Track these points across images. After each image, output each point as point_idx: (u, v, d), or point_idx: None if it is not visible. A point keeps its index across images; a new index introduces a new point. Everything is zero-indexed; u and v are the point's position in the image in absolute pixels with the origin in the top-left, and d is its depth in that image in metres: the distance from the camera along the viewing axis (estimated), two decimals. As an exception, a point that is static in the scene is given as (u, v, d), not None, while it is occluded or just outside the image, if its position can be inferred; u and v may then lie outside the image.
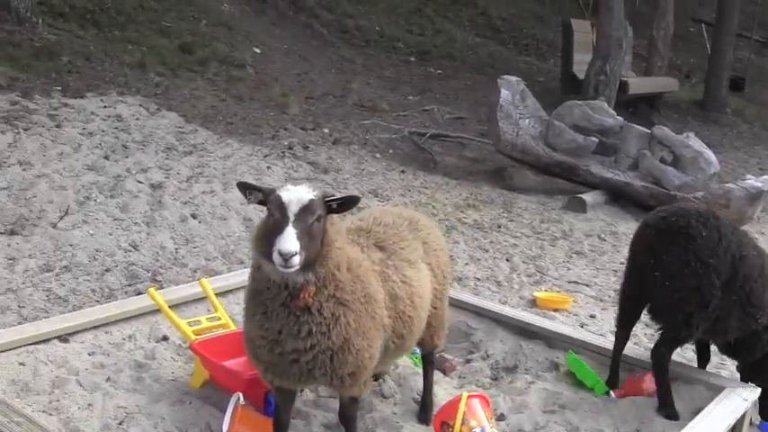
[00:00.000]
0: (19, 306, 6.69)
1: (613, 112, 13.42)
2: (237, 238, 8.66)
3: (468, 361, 6.80)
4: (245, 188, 4.15)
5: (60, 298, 6.93)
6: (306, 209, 3.93)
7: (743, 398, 5.79)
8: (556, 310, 8.09)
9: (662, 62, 21.43)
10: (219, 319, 6.05)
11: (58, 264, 7.48)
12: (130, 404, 5.39)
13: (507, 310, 7.25)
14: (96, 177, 9.35)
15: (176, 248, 8.18)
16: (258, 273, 4.19)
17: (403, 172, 12.41)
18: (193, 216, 8.91)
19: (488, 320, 7.14)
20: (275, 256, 3.83)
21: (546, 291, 8.64)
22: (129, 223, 8.44)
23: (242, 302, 6.61)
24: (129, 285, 7.33)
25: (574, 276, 9.26)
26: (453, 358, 6.78)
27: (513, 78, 13.24)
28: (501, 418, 5.81)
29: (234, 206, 9.24)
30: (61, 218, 8.30)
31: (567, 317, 7.98)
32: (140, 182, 9.47)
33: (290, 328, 4.14)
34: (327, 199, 4.13)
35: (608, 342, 6.71)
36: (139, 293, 7.09)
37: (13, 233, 7.87)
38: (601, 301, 8.62)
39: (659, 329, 6.00)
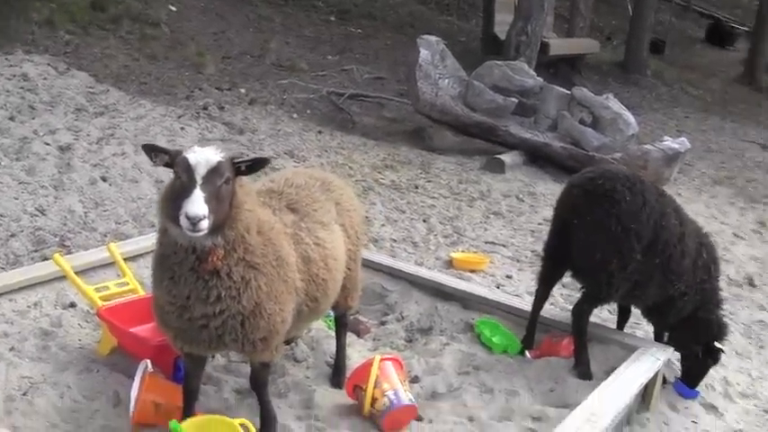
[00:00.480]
0: None
1: (533, 72, 13.39)
2: (149, 200, 8.41)
3: (382, 323, 6.72)
4: (150, 150, 4.02)
5: (-40, 264, 6.66)
6: (213, 171, 3.83)
7: (656, 357, 5.80)
8: (472, 271, 8.03)
9: (584, 23, 21.51)
10: (128, 284, 5.85)
11: (-44, 230, 7.20)
12: (35, 374, 5.19)
13: (423, 272, 7.18)
14: (1, 140, 8.99)
15: (85, 212, 7.91)
16: (165, 237, 4.08)
17: (320, 132, 12.21)
18: (103, 179, 8.62)
19: (404, 282, 7.07)
20: (182, 220, 3.73)
21: (463, 251, 8.58)
22: (35, 187, 8.13)
23: (142, 269, 6.57)
24: (36, 251, 7.06)
25: (491, 237, 9.22)
26: (368, 321, 6.70)
27: (433, 38, 13.11)
28: (415, 380, 5.76)
29: (146, 168, 8.97)
30: (-36, 182, 7.97)
31: (483, 278, 7.93)
32: (48, 144, 9.11)
33: (199, 293, 4.05)
34: (236, 161, 4.04)
35: (524, 303, 6.71)
36: (46, 259, 6.81)
37: None
38: (518, 261, 8.60)
39: (581, 289, 6.00)
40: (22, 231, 7.30)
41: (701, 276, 6.03)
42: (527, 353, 6.17)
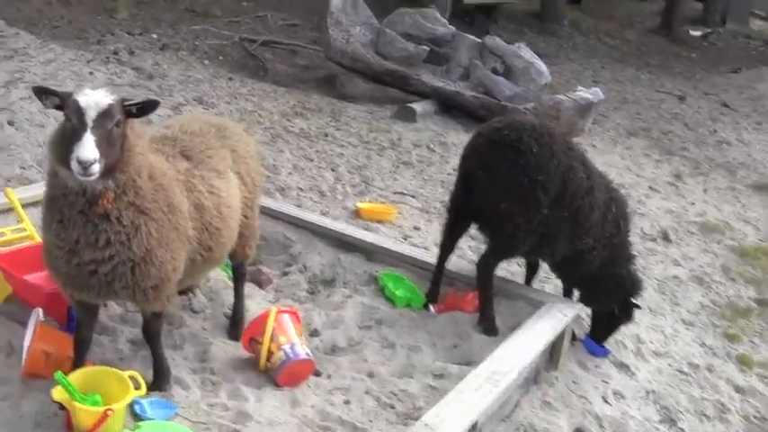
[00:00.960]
0: None
1: (445, 20, 13.20)
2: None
3: (285, 274, 6.50)
4: (41, 93, 3.89)
5: None
6: (104, 114, 3.75)
7: (563, 314, 5.69)
8: (379, 222, 7.83)
9: (499, -28, 21.32)
10: (25, 230, 5.65)
11: None
12: None
13: (327, 222, 6.95)
14: None
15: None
16: (54, 179, 3.96)
17: (230, 79, 11.83)
18: (10, 123, 8.24)
19: (307, 232, 6.84)
20: (73, 164, 3.66)
21: (370, 202, 8.37)
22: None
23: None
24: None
25: (400, 187, 9.02)
26: (270, 271, 6.47)
27: (345, -16, 12.80)
28: (315, 333, 5.57)
29: (53, 113, 8.43)
30: None
31: (390, 228, 7.74)
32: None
33: (88, 237, 3.95)
34: (126, 103, 3.93)
35: (430, 255, 6.53)
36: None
37: None
38: (426, 213, 8.42)
39: (486, 241, 5.85)
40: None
41: (611, 231, 5.92)
42: (431, 307, 6.02)
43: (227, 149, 5.03)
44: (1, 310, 5.18)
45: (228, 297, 5.70)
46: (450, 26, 13.02)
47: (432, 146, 10.71)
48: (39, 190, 6.30)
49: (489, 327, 5.64)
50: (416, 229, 7.89)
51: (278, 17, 16.24)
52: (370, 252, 6.61)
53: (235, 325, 5.46)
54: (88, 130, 3.66)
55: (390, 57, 12.37)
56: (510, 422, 5.11)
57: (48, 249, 4.13)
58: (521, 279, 6.61)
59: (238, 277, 5.54)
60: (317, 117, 11.00)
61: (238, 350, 5.19)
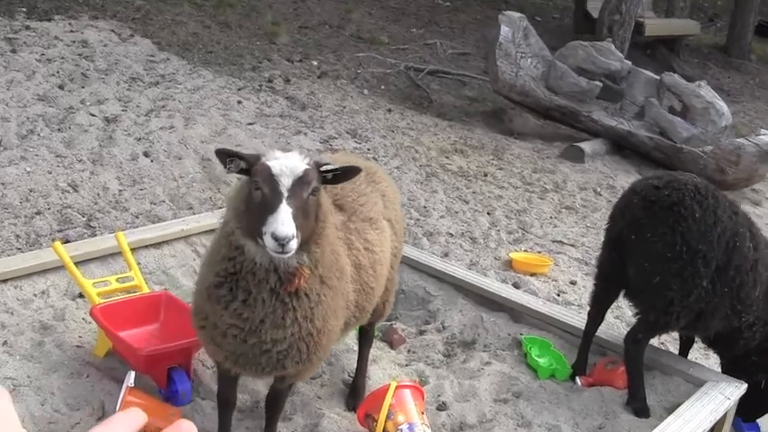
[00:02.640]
0: (-71, 252, 5.99)
1: (621, 54, 12.46)
2: (191, 179, 7.88)
3: (420, 333, 6.07)
4: (224, 156, 3.52)
5: (-22, 244, 6.22)
6: (300, 181, 3.37)
7: (725, 395, 5.03)
8: (533, 275, 7.31)
9: (684, 3, 20.36)
10: (132, 279, 5.29)
11: (-16, 205, 6.76)
12: (21, 375, 4.72)
13: (471, 277, 6.45)
14: (45, 109, 8.53)
15: (120, 190, 7.42)
16: (238, 253, 3.58)
17: (389, 111, 11.48)
18: (146, 154, 8.10)
19: (450, 287, 6.38)
20: (268, 240, 3.25)
21: (525, 251, 7.85)
22: (72, 160, 7.66)
23: (166, 257, 6.03)
24: (60, 231, 6.59)
25: (560, 235, 8.45)
26: (405, 329, 6.06)
27: (516, 14, 12.27)
28: (443, 407, 5.10)
29: (193, 144, 8.44)
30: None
31: (544, 282, 7.21)
32: (93, 114, 8.64)
33: (276, 317, 3.59)
34: (323, 169, 3.55)
35: (582, 319, 5.96)
36: (67, 241, 6.36)
37: (-59, 169, 7.14)
38: (586, 264, 7.82)
39: (636, 314, 5.27)
40: (49, 209, 6.85)
41: None
42: (577, 379, 5.45)
43: (378, 194, 4.63)
44: (101, 364, 4.96)
45: (349, 361, 5.33)
46: (627, 61, 12.28)
47: (599, 189, 10.07)
48: (156, 232, 6.20)
49: (640, 407, 5.06)
50: (572, 283, 7.32)
51: (448, 45, 15.78)
52: (515, 312, 6.10)
53: (354, 394, 5.05)
54: (284, 201, 3.28)
55: (561, 92, 11.78)
56: None
57: (212, 325, 3.74)
58: (676, 348, 5.95)
59: (366, 340, 5.14)
60: (479, 154, 10.51)
61: (353, 424, 4.78)
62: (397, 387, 4.58)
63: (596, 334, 5.69)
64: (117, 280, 5.27)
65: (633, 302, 5.31)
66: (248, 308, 3.57)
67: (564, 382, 5.44)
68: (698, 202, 4.80)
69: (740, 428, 5.51)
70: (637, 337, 5.13)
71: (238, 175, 3.59)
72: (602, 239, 5.57)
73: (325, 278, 3.72)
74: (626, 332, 5.33)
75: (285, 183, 3.31)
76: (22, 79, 9.11)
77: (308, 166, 3.41)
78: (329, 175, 3.57)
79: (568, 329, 5.86)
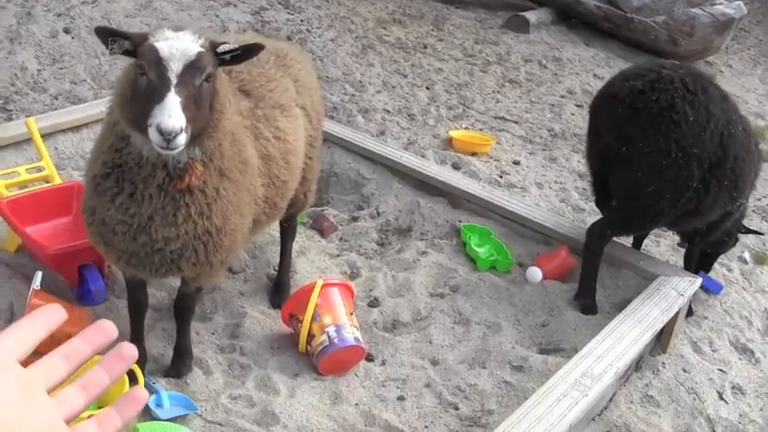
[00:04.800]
0: None
1: None
2: (115, 57, 7.24)
3: (354, 219, 5.67)
4: (105, 35, 3.00)
5: None
6: (192, 66, 2.93)
7: (678, 291, 4.69)
8: (473, 154, 6.86)
9: None
10: (44, 169, 4.82)
11: None
12: None
13: (408, 159, 5.99)
14: (-41, -15, 7.82)
15: (39, 70, 6.79)
16: (123, 143, 3.16)
17: (324, -21, 10.78)
18: (66, 31, 7.46)
19: (385, 169, 5.95)
20: (153, 134, 2.84)
21: (466, 128, 7.39)
22: (-12, 40, 7.04)
23: (86, 142, 5.51)
24: (-26, 115, 6.04)
25: (502, 111, 7.97)
26: (337, 215, 5.63)
27: None
28: (374, 303, 4.74)
29: (116, 19, 7.78)
30: None
31: (485, 162, 6.77)
32: (12, -10, 7.94)
33: (165, 214, 3.20)
34: (220, 50, 3.08)
35: (524, 205, 5.59)
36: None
37: None
38: (530, 142, 7.39)
39: (611, 208, 4.86)
40: (-38, 92, 6.26)
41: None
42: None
43: (290, 79, 4.12)
44: (10, 260, 4.50)
45: (275, 255, 4.91)
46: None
47: (544, 62, 9.52)
48: (75, 114, 5.67)
49: (588, 304, 4.72)
50: (515, 163, 6.89)
51: None
52: (454, 197, 5.69)
53: (279, 290, 4.67)
54: (172, 89, 2.84)
55: (506, -42, 11.14)
56: (600, 421, 4.23)
57: (101, 221, 3.31)
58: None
59: (289, 231, 4.72)
60: (418, 25, 9.89)
61: (278, 324, 4.40)
62: (323, 285, 4.16)
63: (538, 221, 5.33)
64: (27, 170, 4.81)
65: (614, 199, 4.84)
66: (135, 203, 3.17)
67: (505, 275, 5.09)
68: (689, 103, 4.34)
69: (708, 285, 5.24)
70: (604, 233, 4.76)
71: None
72: (586, 145, 5.14)
73: (224, 171, 3.30)
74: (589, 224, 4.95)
75: (174, 68, 2.88)
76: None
77: (201, 49, 2.97)
78: (227, 57, 3.10)
79: (510, 216, 5.48)
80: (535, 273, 4.99)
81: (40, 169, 4.81)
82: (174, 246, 3.28)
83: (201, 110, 2.99)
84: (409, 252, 5.22)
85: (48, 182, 4.77)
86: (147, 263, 3.34)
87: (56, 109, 6.06)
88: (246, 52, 3.15)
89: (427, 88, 8.14)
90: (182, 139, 2.83)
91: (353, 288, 4.42)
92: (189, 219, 3.23)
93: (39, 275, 3.92)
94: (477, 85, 8.46)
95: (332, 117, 6.99)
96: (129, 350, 1.00)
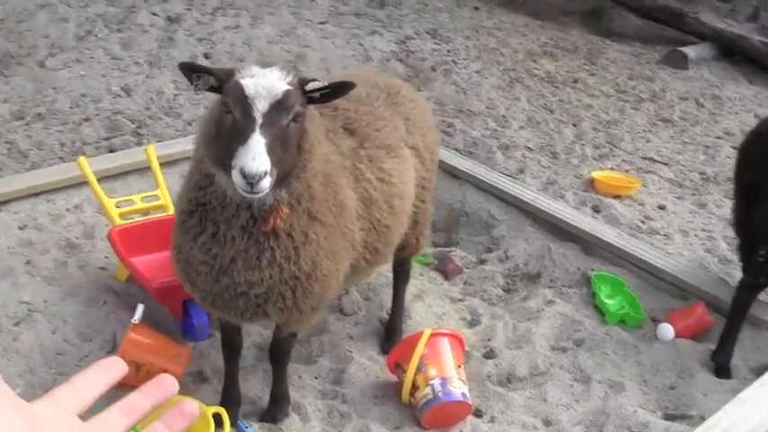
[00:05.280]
0: (-31, 161, 5.65)
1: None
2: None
3: (481, 262, 5.48)
4: (189, 71, 2.95)
5: (21, 153, 5.96)
6: (279, 105, 2.80)
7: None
8: (616, 197, 6.56)
9: None
10: (159, 198, 4.84)
11: (32, 110, 6.50)
12: (37, 299, 4.48)
13: (542, 201, 5.76)
14: (106, 8, 8.14)
15: (175, 95, 6.96)
16: (208, 182, 3.07)
17: (476, 9, 10.60)
18: (206, 56, 7.65)
19: (517, 211, 5.76)
20: (236, 176, 2.73)
21: (611, 169, 7.08)
22: (128, 63, 7.27)
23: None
24: (107, 139, 6.26)
25: (652, 151, 7.60)
26: (464, 257, 5.46)
27: None
28: (490, 354, 4.53)
29: (257, 45, 7.91)
30: (50, 55, 7.14)
31: (628, 206, 6.45)
32: (155, 14, 8.19)
33: (249, 257, 3.10)
34: (309, 88, 2.95)
35: (663, 255, 5.27)
36: (111, 151, 6.00)
37: (-8, 73, 6.79)
38: (679, 186, 7.01)
39: (764, 257, 4.49)
40: (98, 115, 6.55)
41: None
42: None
43: (400, 118, 3.97)
44: (120, 289, 4.59)
45: (389, 297, 4.74)
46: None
47: (701, 100, 9.07)
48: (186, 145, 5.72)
49: (723, 366, 4.40)
50: (661, 208, 6.54)
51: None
52: (588, 244, 5.44)
53: (389, 337, 4.54)
54: (257, 130, 2.73)
55: (666, -10, 10.76)
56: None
57: (185, 260, 3.26)
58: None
59: (401, 276, 4.57)
60: (569, 58, 9.62)
61: (384, 371, 4.26)
62: (431, 335, 3.99)
63: (675, 273, 5.01)
64: (142, 199, 4.85)
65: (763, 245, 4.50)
66: (217, 243, 3.09)
67: (634, 330, 4.80)
68: None
69: None
70: (757, 282, 4.45)
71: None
72: (734, 189, 4.85)
73: (315, 213, 3.17)
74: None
75: (260, 107, 2.77)
76: (88, -24, 8.67)
77: (289, 86, 2.83)
78: (316, 95, 2.96)
79: (645, 267, 5.19)
80: (667, 330, 4.69)
81: (156, 198, 4.83)
82: (258, 290, 3.18)
83: (288, 151, 2.88)
84: (535, 300, 4.99)
85: (163, 211, 4.78)
86: (232, 306, 3.26)
87: (187, 135, 6.13)
88: (337, 90, 3.02)
89: (574, 125, 7.87)
90: (266, 183, 2.71)
91: (464, 339, 4.23)
92: (274, 263, 3.11)
93: (140, 309, 3.92)
94: (628, 124, 8.12)
95: (470, 153, 6.84)
96: (191, 407, 0.99)
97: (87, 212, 5.27)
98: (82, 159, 4.85)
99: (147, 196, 4.87)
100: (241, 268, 3.10)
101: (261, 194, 2.78)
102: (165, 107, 6.77)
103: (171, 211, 4.73)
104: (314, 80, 2.96)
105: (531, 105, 8.08)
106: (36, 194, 5.27)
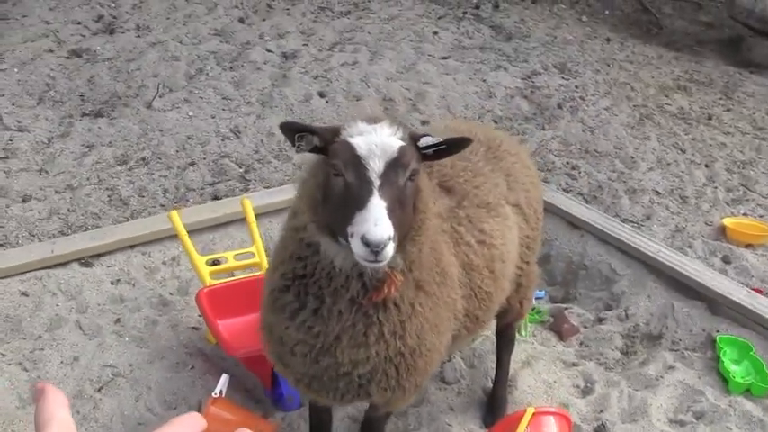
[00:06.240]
0: (69, 210, 5.70)
1: None
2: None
3: (599, 320, 5.25)
4: (291, 131, 2.67)
5: (122, 200, 5.89)
6: (395, 163, 2.56)
7: None
8: (749, 246, 6.21)
9: None
10: (253, 255, 4.68)
11: (137, 154, 6.43)
12: (122, 362, 4.41)
13: (665, 254, 5.49)
14: (220, 45, 8.12)
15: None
16: (310, 252, 2.80)
17: (608, 41, 10.30)
18: (321, 94, 7.54)
19: (640, 265, 5.51)
20: (356, 246, 2.46)
21: (744, 215, 6.73)
22: (238, 103, 7.22)
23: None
24: (212, 185, 6.18)
25: (790, 195, 7.22)
26: (582, 314, 5.25)
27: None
28: (601, 429, 4.29)
29: (375, 82, 7.79)
30: (156, 96, 7.16)
31: (761, 256, 6.10)
32: (270, 50, 8.15)
33: (355, 333, 2.83)
34: (422, 144, 2.70)
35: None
36: (216, 198, 5.95)
37: (98, 115, 6.85)
38: (817, 233, 6.61)
39: None
40: (205, 158, 6.46)
41: None
42: None
43: (501, 174, 3.74)
44: (211, 352, 4.54)
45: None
46: None
47: (844, 136, 8.58)
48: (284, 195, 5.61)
49: None
50: (797, 259, 6.18)
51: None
52: (714, 303, 5.15)
53: (492, 409, 4.33)
54: (375, 193, 2.49)
55: (809, 18, 10.24)
56: None
57: (278, 339, 3.02)
58: None
59: (506, 343, 4.37)
60: (704, 93, 9.23)
61: (487, 448, 4.06)
62: (535, 414, 3.79)
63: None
64: (235, 256, 4.69)
65: None
66: (320, 320, 2.81)
67: (761, 400, 4.50)
68: None
69: None
70: None
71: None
72: None
73: (422, 283, 2.91)
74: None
75: (376, 167, 2.52)
76: (202, 13, 8.74)
77: (403, 143, 2.60)
78: (430, 151, 2.71)
79: (778, 330, 4.87)
80: (796, 403, 4.38)
81: (251, 255, 4.67)
82: (362, 369, 2.91)
83: (406, 212, 2.63)
84: (654, 365, 4.74)
85: (258, 269, 4.64)
86: (331, 388, 3.01)
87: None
88: (452, 146, 2.75)
89: (706, 166, 7.52)
90: (390, 250, 2.45)
91: (572, 416, 4.02)
92: (381, 338, 2.85)
93: (224, 380, 3.73)
94: (764, 164, 7.72)
95: (595, 197, 6.61)
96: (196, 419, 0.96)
97: (183, 266, 5.15)
98: (174, 214, 4.71)
99: (240, 253, 4.72)
100: (346, 346, 2.84)
101: (384, 263, 2.51)
102: (274, 150, 6.70)
103: (266, 268, 4.63)
104: (426, 135, 2.72)
105: (661, 145, 7.76)
106: (132, 246, 5.20)
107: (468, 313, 3.38)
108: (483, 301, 3.44)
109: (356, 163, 2.54)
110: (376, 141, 2.56)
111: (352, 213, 2.48)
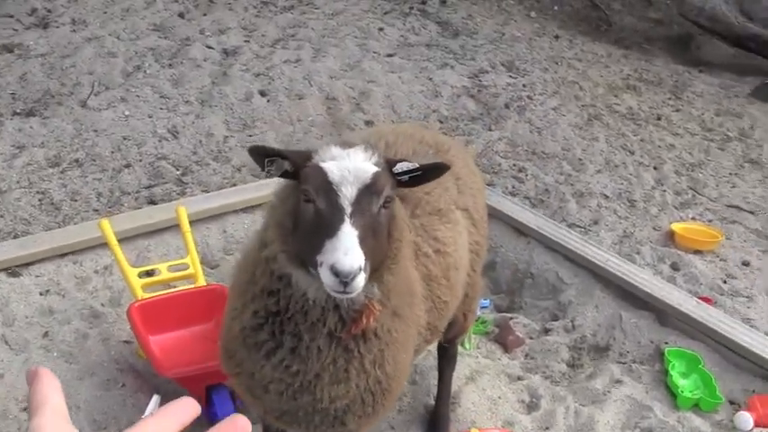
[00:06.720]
0: (-4, 215, 5.44)
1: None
2: (310, 123, 7.07)
3: (545, 331, 5.12)
4: (260, 156, 2.54)
5: (53, 204, 5.66)
6: (368, 190, 2.43)
7: None
8: (697, 252, 6.13)
9: None
10: (188, 267, 4.48)
11: (70, 155, 6.18)
12: None
13: (613, 263, 5.38)
14: (158, 41, 7.86)
15: (226, 136, 6.68)
16: (282, 285, 2.63)
17: (557, 38, 10.17)
18: (262, 93, 7.32)
19: (588, 274, 5.39)
20: (325, 275, 2.32)
21: (693, 219, 6.65)
22: (177, 102, 6.99)
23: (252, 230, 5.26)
24: (147, 188, 5.96)
25: (737, 198, 7.14)
26: (527, 325, 5.12)
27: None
28: (546, 446, 4.15)
29: (318, 80, 7.59)
30: (91, 94, 6.90)
31: (710, 262, 6.03)
32: (210, 47, 7.91)
33: (336, 369, 2.68)
34: (398, 170, 2.56)
35: (744, 332, 4.83)
36: (152, 203, 5.75)
37: (30, 114, 6.57)
38: (766, 238, 6.55)
39: None
40: (141, 160, 6.24)
41: None
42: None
43: (451, 177, 3.54)
44: (143, 369, 4.33)
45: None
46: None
47: (793, 138, 8.55)
48: (250, 194, 5.50)
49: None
50: (745, 264, 6.10)
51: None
52: (662, 313, 5.05)
53: (434, 427, 4.18)
54: (346, 220, 2.36)
55: (757, 17, 10.22)
56: None
57: (249, 375, 2.82)
58: None
59: (447, 359, 4.20)
60: (654, 92, 9.14)
61: (432, 469, 3.91)
62: (479, 436, 3.67)
63: (758, 352, 4.59)
64: (168, 268, 4.50)
65: None
66: (299, 359, 2.64)
67: (710, 415, 4.40)
68: None
69: None
70: None
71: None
72: None
73: (396, 308, 2.76)
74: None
75: (348, 193, 2.39)
76: (141, 7, 8.47)
77: (378, 168, 2.47)
78: (405, 178, 2.56)
79: (726, 343, 4.77)
80: (744, 419, 4.28)
81: (185, 266, 4.48)
82: (340, 403, 2.77)
83: (380, 241, 2.49)
84: (601, 379, 4.62)
85: (193, 281, 4.45)
86: (305, 421, 2.84)
87: (235, 184, 5.89)
88: (429, 172, 2.61)
89: (655, 168, 7.43)
90: (360, 281, 2.31)
91: (518, 437, 3.90)
92: (362, 371, 2.71)
93: (155, 401, 3.60)
94: (713, 166, 7.66)
95: (542, 201, 6.50)
96: (244, 423, 0.95)
97: (116, 275, 4.90)
98: (104, 223, 4.50)
99: (174, 264, 4.54)
100: (327, 383, 2.69)
101: (353, 294, 2.37)
102: (213, 151, 6.48)
103: (201, 281, 4.43)
104: (402, 161, 2.58)
105: (609, 146, 7.67)
106: (62, 255, 4.97)
107: (430, 325, 3.24)
108: (441, 310, 3.30)
109: (327, 189, 2.42)
110: (349, 167, 2.43)
111: (321, 242, 2.36)
